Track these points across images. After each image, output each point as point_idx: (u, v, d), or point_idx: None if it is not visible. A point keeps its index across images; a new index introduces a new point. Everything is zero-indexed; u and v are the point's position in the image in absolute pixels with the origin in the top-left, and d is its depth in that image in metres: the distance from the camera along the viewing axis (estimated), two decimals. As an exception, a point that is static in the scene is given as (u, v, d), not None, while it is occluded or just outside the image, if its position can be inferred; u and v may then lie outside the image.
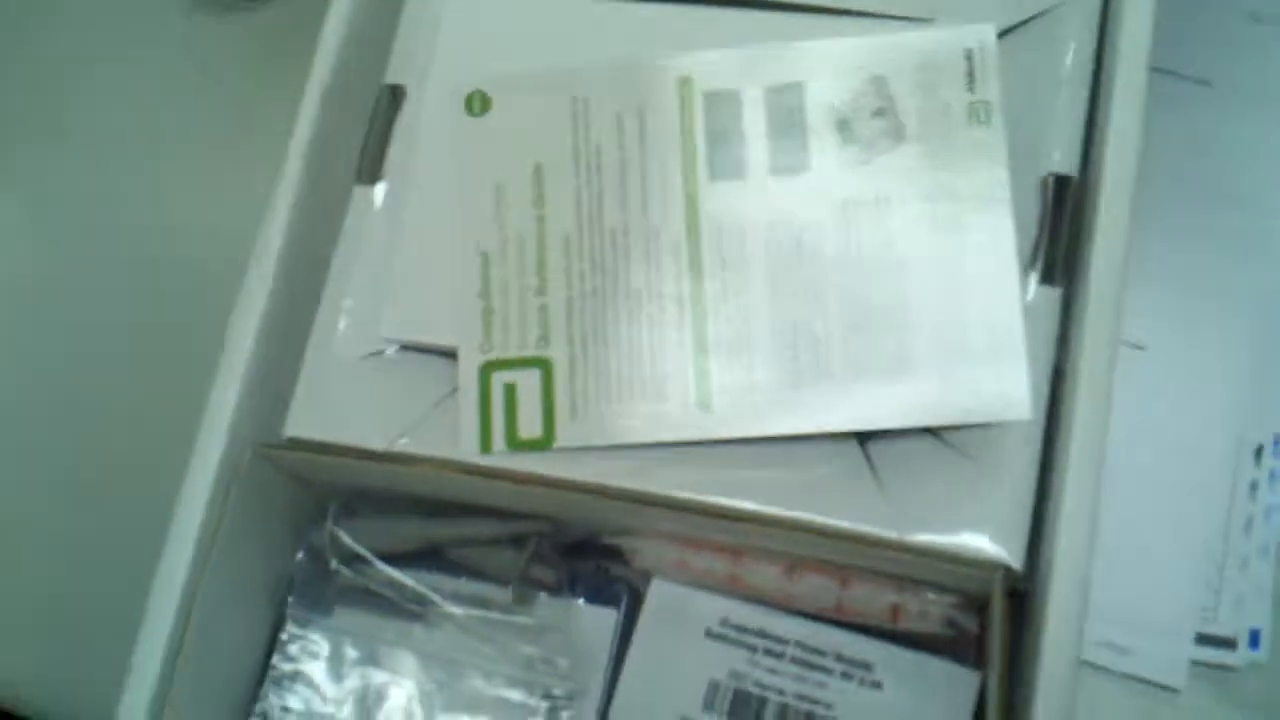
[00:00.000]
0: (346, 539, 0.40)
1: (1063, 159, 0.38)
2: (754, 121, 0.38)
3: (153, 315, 0.52)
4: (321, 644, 0.41)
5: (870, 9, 0.39)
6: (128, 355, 0.51)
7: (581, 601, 0.39)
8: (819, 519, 0.36)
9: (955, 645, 0.37)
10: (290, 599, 0.41)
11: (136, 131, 0.55)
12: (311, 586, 0.41)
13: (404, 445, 0.38)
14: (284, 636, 0.41)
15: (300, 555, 0.42)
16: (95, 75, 0.56)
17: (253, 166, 0.52)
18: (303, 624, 0.41)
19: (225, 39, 0.55)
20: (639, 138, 0.39)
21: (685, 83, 0.39)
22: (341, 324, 0.40)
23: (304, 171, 0.40)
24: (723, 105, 0.39)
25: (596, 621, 0.39)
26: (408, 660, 0.40)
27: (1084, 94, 0.38)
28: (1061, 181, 0.38)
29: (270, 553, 0.41)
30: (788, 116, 0.38)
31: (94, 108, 0.55)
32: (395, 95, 0.42)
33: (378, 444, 0.38)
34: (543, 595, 0.39)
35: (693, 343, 0.38)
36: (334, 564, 0.41)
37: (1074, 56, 0.38)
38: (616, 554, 0.39)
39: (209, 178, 0.53)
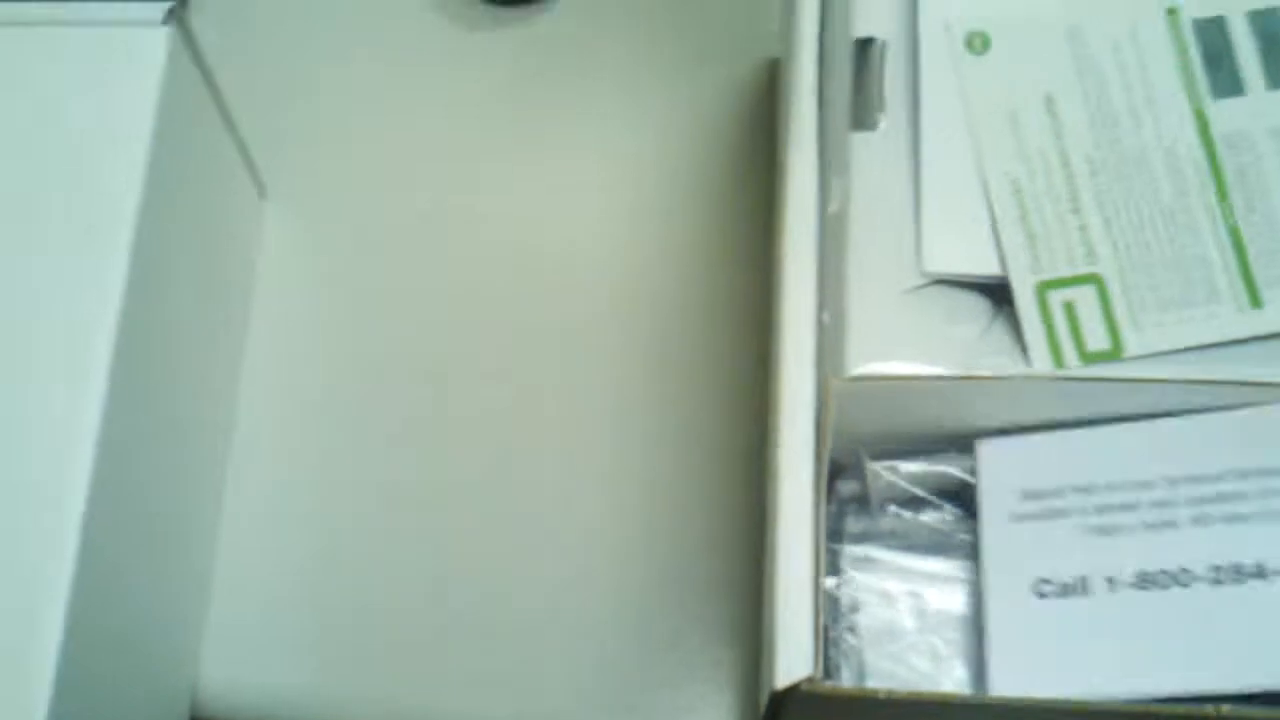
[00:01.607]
0: (898, 476, 0.40)
1: None
2: (1243, 43, 0.41)
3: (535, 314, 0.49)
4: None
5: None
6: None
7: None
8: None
9: None
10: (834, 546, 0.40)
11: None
12: (847, 534, 0.40)
13: (974, 369, 0.38)
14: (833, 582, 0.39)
15: (831, 506, 0.40)
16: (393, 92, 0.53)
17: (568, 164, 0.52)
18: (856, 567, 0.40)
19: (511, 46, 0.53)
20: (1138, 64, 0.41)
21: (1173, 12, 0.42)
22: (876, 264, 0.40)
23: (815, 127, 0.40)
24: (1212, 30, 0.42)
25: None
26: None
27: None
28: None
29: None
30: (1274, 35, 0.41)
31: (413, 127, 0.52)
32: (865, 47, 0.42)
33: (946, 369, 0.38)
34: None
35: (1232, 248, 0.40)
36: (880, 506, 0.40)
37: None
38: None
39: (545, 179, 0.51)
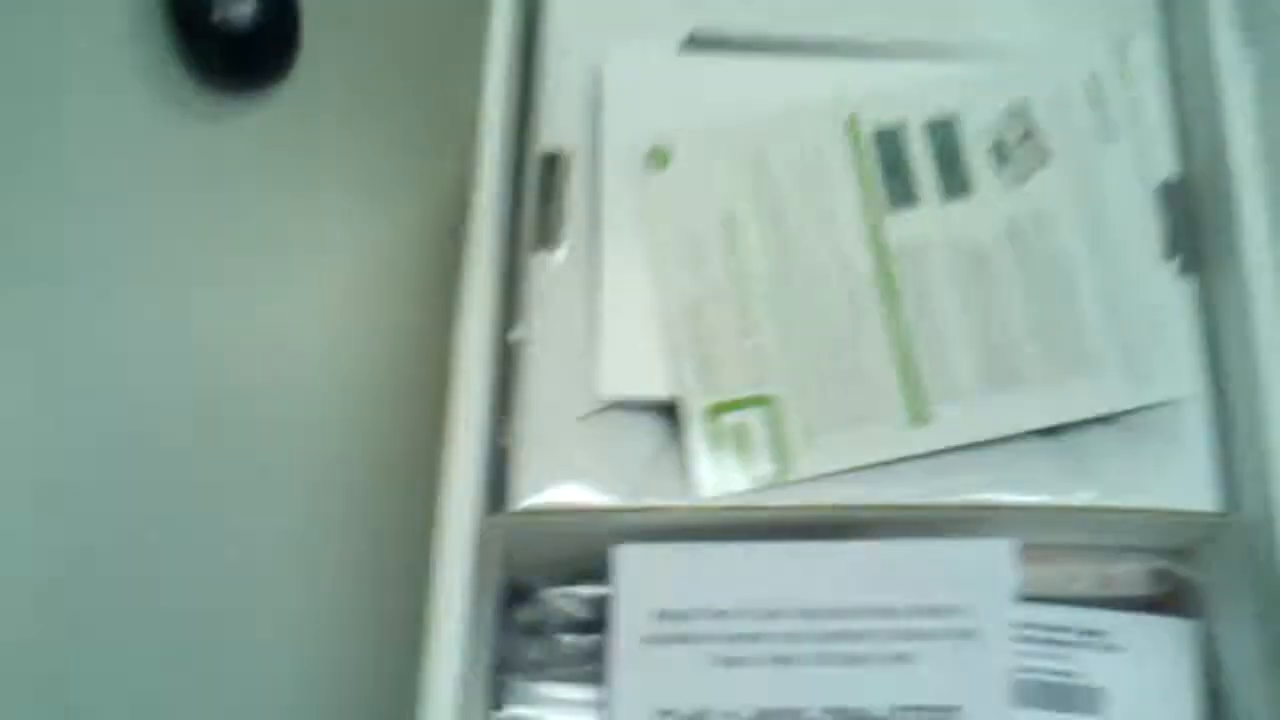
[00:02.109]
0: (575, 601, 0.40)
1: (1168, 161, 0.43)
2: (919, 153, 0.42)
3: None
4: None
5: (997, 40, 0.43)
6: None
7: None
8: (1028, 499, 0.39)
9: (1165, 603, 0.42)
10: (505, 677, 0.40)
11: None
12: (525, 662, 0.41)
13: (642, 498, 0.39)
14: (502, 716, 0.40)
15: (509, 635, 0.41)
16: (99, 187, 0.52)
17: (291, 262, 0.51)
18: (525, 700, 0.40)
19: (230, 136, 0.53)
20: (818, 177, 0.41)
21: (854, 122, 0.42)
22: (552, 389, 0.40)
23: (491, 247, 0.40)
24: (890, 140, 0.42)
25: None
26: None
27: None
28: (1173, 186, 0.43)
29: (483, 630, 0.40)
30: (948, 146, 0.42)
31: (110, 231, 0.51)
32: (552, 161, 0.42)
33: (616, 499, 0.39)
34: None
35: (899, 364, 0.40)
36: (557, 634, 0.40)
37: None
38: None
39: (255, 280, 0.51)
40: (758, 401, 0.40)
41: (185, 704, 0.47)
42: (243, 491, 0.49)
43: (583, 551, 0.40)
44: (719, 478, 0.39)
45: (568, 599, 0.40)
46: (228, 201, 0.52)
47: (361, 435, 0.49)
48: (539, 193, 0.42)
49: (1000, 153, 0.42)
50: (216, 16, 0.50)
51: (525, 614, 0.40)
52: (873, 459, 0.40)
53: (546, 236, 0.41)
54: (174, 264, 0.51)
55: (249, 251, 0.51)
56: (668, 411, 0.40)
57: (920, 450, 0.40)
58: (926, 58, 0.43)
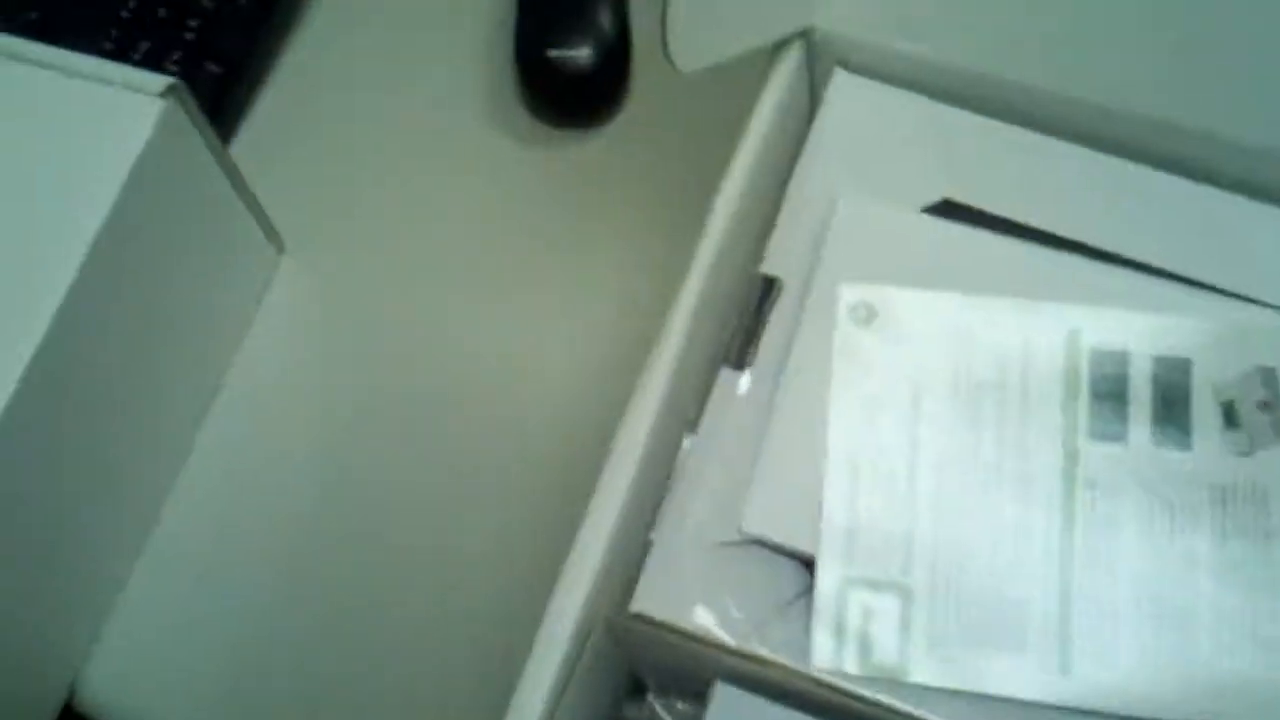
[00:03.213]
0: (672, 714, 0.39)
1: None
2: (1140, 388, 0.39)
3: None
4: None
5: (1260, 296, 0.40)
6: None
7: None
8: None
9: None
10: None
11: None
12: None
13: (753, 644, 0.38)
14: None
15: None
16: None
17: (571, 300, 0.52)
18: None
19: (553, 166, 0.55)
20: (1021, 379, 0.39)
21: (1075, 334, 0.40)
22: (697, 507, 0.39)
23: (681, 349, 0.40)
24: (1110, 365, 0.39)
25: None
26: None
27: None
28: None
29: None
30: (1174, 389, 0.39)
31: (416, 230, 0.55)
32: (769, 285, 0.42)
33: (727, 636, 0.37)
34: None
35: (1058, 599, 0.38)
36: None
37: None
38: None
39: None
40: (895, 588, 0.38)
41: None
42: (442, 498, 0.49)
43: (696, 668, 0.38)
44: (836, 653, 0.37)
45: (667, 709, 0.39)
46: (528, 228, 0.54)
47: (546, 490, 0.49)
48: (746, 311, 0.41)
49: (1231, 414, 0.39)
50: (554, 56, 0.53)
51: (631, 711, 0.40)
52: (998, 691, 0.37)
53: (739, 356, 0.41)
54: (465, 273, 0.53)
55: (526, 277, 0.53)
56: (808, 565, 0.39)
57: (1052, 701, 0.37)
58: (1181, 286, 0.40)
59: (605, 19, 0.54)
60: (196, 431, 0.52)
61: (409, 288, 0.53)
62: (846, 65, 0.43)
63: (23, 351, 0.40)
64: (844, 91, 0.44)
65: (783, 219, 0.42)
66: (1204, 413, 0.39)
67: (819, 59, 0.44)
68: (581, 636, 0.37)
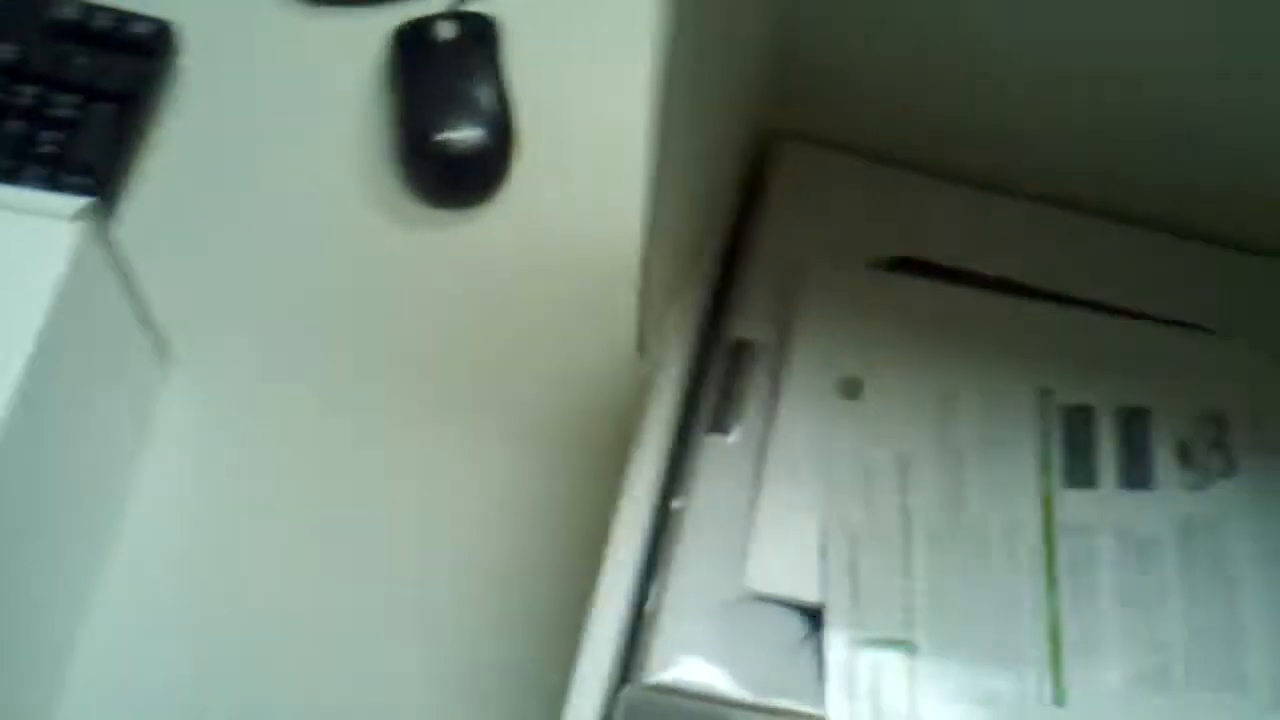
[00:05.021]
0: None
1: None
2: (1106, 437, 0.42)
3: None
4: None
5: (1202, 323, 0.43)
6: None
7: None
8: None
9: None
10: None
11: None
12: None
13: (771, 697, 0.38)
14: None
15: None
16: None
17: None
18: None
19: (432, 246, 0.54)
20: (1000, 438, 0.42)
21: (1046, 393, 0.42)
22: (699, 568, 0.40)
23: (666, 420, 0.40)
24: (1078, 419, 0.42)
25: None
26: None
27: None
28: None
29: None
30: (1137, 435, 0.42)
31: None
32: (742, 347, 0.42)
33: (747, 693, 0.38)
34: None
35: (1048, 641, 0.40)
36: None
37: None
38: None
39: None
40: (900, 644, 0.39)
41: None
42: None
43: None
44: (849, 704, 0.39)
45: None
46: (411, 305, 0.53)
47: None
48: (722, 377, 0.42)
49: (1185, 453, 0.42)
50: (441, 139, 0.54)
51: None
52: (1002, 729, 0.39)
53: (721, 421, 0.41)
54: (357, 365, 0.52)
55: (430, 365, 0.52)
56: (812, 614, 0.39)
57: (1052, 731, 0.39)
58: (1132, 339, 0.43)
59: (488, 100, 0.55)
60: (100, 563, 0.48)
61: (301, 388, 0.52)
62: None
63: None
64: (793, 159, 0.45)
65: (746, 284, 0.43)
66: (1165, 455, 0.41)
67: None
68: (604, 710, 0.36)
